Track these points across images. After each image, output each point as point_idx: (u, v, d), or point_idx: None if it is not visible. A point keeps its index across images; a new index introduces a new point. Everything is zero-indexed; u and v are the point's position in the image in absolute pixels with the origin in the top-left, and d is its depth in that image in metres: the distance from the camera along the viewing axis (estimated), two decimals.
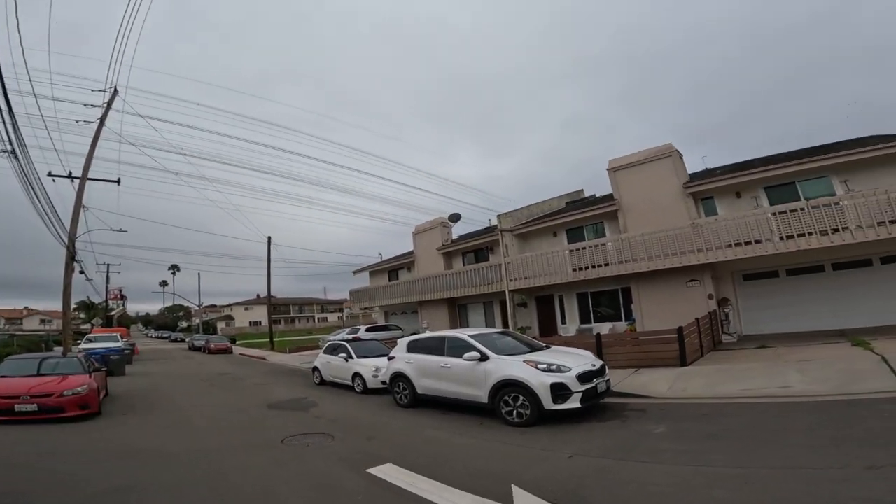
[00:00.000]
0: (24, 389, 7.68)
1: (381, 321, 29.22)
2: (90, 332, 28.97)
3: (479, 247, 22.99)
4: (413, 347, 8.85)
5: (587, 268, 16.38)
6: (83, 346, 21.73)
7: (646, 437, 5.70)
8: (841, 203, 12.11)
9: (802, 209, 12.43)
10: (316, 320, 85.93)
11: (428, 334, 9.26)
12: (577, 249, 16.85)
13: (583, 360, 7.19)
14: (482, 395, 7.17)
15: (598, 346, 10.44)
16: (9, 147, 9.29)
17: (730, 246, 13.32)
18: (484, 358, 7.26)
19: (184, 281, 79.67)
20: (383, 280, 29.23)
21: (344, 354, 11.78)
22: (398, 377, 8.90)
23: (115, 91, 23.75)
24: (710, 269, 14.49)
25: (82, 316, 66.03)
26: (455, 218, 25.73)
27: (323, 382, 12.80)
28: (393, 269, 29.12)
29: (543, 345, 8.41)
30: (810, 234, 12.24)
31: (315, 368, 13.16)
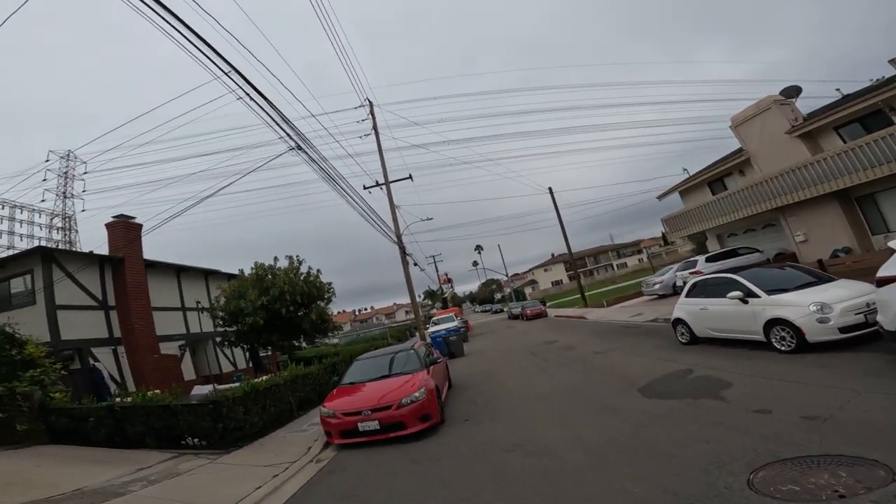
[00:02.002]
0: (366, 403, 6.51)
1: (713, 247, 22.47)
2: (434, 316, 33.71)
3: (865, 112, 13.90)
4: None
5: None
6: (430, 329, 24.59)
7: None
8: None
9: None
10: (614, 268, 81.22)
11: None
12: None
13: None
14: None
15: None
16: (293, 143, 9.17)
17: None
18: None
19: (489, 257, 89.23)
20: (703, 196, 22.39)
21: (737, 293, 7.25)
22: None
23: (370, 102, 26.65)
24: None
25: (429, 302, 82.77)
26: (792, 91, 18.73)
27: (694, 340, 8.72)
28: (715, 178, 21.92)
29: None
30: None
31: (678, 321, 9.12)
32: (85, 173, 43.02)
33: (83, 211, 39.14)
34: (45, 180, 39.47)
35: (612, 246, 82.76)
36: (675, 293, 19.96)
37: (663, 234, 58.21)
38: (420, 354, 8.13)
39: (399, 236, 25.64)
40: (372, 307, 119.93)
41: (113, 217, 14.71)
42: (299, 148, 10.03)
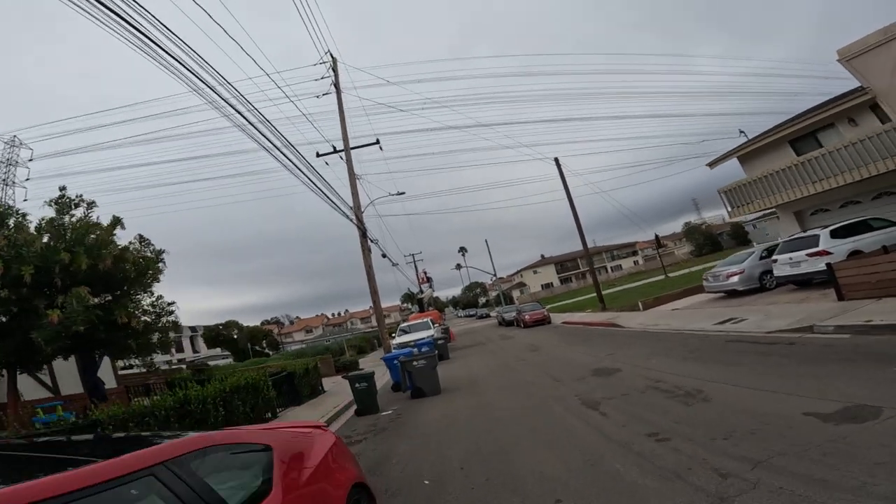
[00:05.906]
0: None
1: (790, 229, 16.15)
2: (405, 322, 26.77)
3: None
4: None
5: None
6: (397, 340, 17.69)
7: None
8: None
9: None
10: (608, 270, 75.48)
11: None
12: None
13: None
14: None
15: None
16: None
17: None
18: None
19: (473, 260, 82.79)
20: (781, 159, 16.21)
21: None
22: None
23: (332, 57, 20.71)
24: None
25: (408, 306, 75.60)
26: None
27: None
28: (803, 133, 15.81)
29: None
30: None
31: None
32: (30, 160, 35.37)
33: (25, 200, 30.17)
34: None
35: (606, 247, 77.06)
36: (762, 288, 13.53)
37: (657, 237, 52.53)
38: None
39: (358, 215, 18.92)
40: (347, 311, 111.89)
41: None
42: None
